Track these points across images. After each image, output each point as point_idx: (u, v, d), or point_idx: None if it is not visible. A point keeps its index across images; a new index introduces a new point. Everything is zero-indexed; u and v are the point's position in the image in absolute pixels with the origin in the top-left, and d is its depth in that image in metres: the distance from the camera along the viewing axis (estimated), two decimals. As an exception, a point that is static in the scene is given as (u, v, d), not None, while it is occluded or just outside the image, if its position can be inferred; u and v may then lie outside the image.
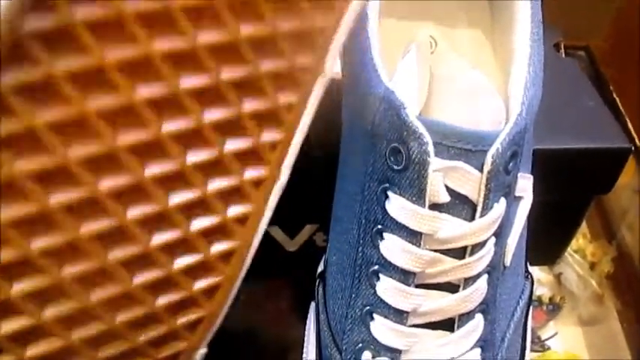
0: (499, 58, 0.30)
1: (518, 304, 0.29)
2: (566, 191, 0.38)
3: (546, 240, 0.37)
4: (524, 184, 0.27)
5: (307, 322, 0.32)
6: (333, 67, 0.22)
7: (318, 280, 0.31)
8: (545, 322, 0.42)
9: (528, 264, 0.31)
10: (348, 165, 0.28)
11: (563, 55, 0.41)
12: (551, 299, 0.42)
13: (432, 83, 0.31)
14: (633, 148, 0.37)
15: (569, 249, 0.43)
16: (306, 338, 0.31)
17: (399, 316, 0.25)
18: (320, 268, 0.31)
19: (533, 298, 0.33)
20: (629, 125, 0.42)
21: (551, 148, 0.35)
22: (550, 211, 0.35)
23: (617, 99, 0.43)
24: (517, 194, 0.27)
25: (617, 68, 0.44)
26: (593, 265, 0.44)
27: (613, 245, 0.45)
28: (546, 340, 0.42)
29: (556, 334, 0.42)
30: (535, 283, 0.32)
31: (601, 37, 0.47)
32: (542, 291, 0.43)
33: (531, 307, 0.31)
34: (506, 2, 0.28)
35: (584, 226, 0.45)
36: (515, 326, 0.29)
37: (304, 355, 0.31)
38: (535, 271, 0.43)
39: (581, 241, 0.44)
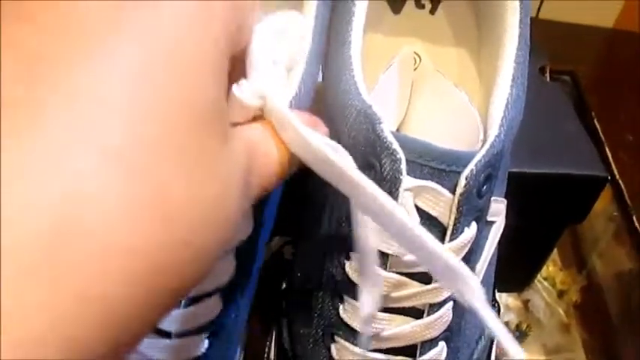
0: (484, 78, 0.29)
1: (483, 332, 0.28)
2: (539, 217, 0.38)
3: (516, 266, 0.36)
4: (497, 209, 0.27)
5: (268, 340, 0.30)
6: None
7: (281, 298, 0.30)
8: (511, 348, 0.41)
9: (496, 291, 0.30)
10: (317, 181, 0.27)
11: (548, 79, 0.41)
12: (517, 326, 0.42)
13: (413, 99, 0.30)
14: (609, 178, 0.36)
15: (538, 276, 0.43)
16: (265, 357, 0.30)
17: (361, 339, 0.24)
18: (284, 285, 0.30)
19: (500, 324, 0.32)
20: (608, 154, 0.42)
21: (527, 171, 0.34)
22: (521, 237, 0.34)
23: (599, 126, 0.42)
24: (489, 218, 0.26)
25: (601, 95, 0.44)
26: (562, 294, 0.43)
27: (583, 274, 0.45)
28: (510, 367, 0.41)
29: (520, 361, 0.41)
30: (502, 308, 0.31)
31: (587, 62, 0.47)
32: (509, 317, 0.42)
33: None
34: (494, 22, 0.27)
35: (554, 253, 0.44)
36: (479, 356, 0.28)
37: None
38: (503, 296, 0.43)
39: (551, 268, 0.44)
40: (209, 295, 0.24)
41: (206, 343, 0.25)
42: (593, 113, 0.43)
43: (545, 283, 0.43)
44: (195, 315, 0.24)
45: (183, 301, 0.23)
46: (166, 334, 0.24)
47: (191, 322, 0.24)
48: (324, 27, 0.26)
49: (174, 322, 0.23)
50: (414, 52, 0.30)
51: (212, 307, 0.24)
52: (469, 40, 0.30)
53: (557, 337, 0.43)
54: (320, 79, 0.30)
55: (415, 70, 0.30)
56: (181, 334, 0.24)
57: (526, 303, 0.43)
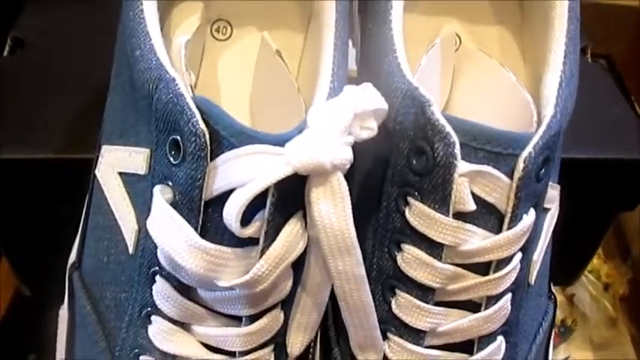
0: (528, 59, 0.28)
1: (541, 326, 0.27)
2: (588, 206, 0.36)
3: (563, 259, 0.35)
4: (553, 195, 0.25)
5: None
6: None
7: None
8: (557, 345, 0.40)
9: (551, 284, 0.28)
10: (362, 166, 0.25)
11: (590, 60, 0.39)
12: (563, 321, 0.40)
13: (455, 82, 0.29)
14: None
15: (583, 268, 0.41)
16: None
17: (415, 335, 0.23)
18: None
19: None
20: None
21: (574, 157, 0.33)
22: (569, 228, 0.33)
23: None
24: (545, 205, 0.25)
25: (637, 77, 0.42)
26: (607, 287, 0.42)
27: (627, 265, 0.43)
28: (557, 364, 0.39)
29: (568, 358, 0.40)
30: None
31: (621, 44, 0.45)
32: (554, 312, 0.41)
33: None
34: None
35: (597, 245, 0.43)
36: (537, 350, 0.26)
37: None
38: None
39: (596, 260, 0.42)
40: (271, 309, 0.23)
41: (272, 357, 0.24)
42: (633, 97, 0.41)
43: (590, 276, 0.41)
44: (260, 331, 0.23)
45: (244, 319, 0.22)
46: (231, 354, 0.23)
47: (256, 338, 0.23)
48: (346, 19, 0.25)
49: (238, 341, 0.22)
50: (455, 33, 0.29)
51: (275, 319, 0.23)
52: (510, 18, 0.29)
53: (604, 331, 0.41)
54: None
55: (456, 51, 0.29)
56: (247, 352, 0.23)
57: (571, 297, 0.42)
